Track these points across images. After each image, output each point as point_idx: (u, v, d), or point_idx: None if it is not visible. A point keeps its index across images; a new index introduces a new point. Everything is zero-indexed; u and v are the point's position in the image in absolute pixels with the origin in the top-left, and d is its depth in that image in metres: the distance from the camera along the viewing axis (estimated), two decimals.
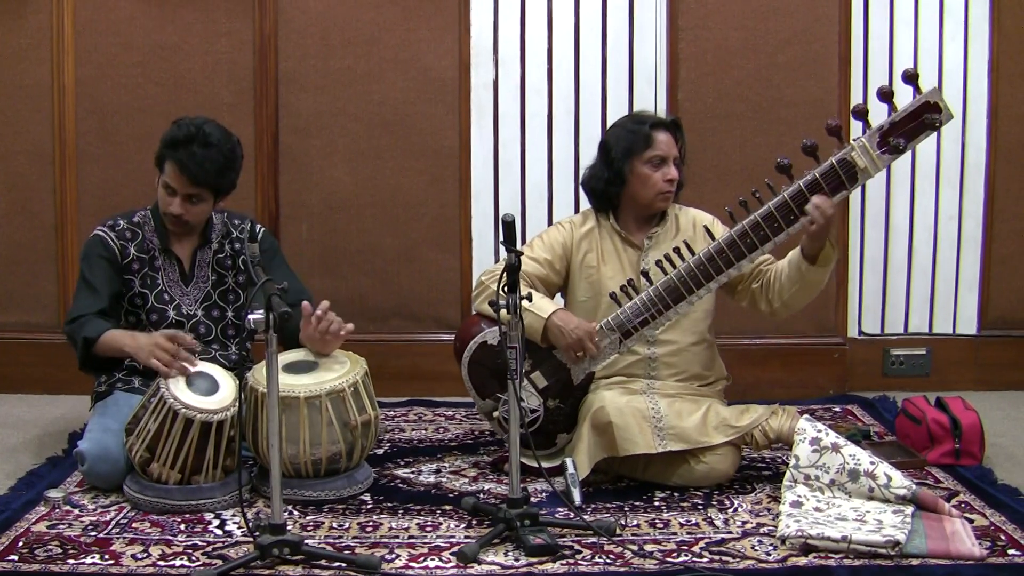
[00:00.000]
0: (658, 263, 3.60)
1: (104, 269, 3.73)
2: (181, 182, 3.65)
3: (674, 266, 3.57)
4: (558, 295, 3.94)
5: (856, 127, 3.49)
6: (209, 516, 3.34)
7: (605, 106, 4.85)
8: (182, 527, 3.26)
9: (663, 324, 3.65)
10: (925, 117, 3.33)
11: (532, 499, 3.44)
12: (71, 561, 3.00)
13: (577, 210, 4.77)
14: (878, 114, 3.40)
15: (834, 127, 3.37)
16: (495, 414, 3.72)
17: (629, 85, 4.84)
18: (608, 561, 3.02)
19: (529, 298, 3.19)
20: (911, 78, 3.32)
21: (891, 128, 3.37)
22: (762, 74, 4.74)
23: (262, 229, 3.93)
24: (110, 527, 3.26)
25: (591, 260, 3.83)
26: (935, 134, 3.41)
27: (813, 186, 3.41)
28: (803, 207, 3.42)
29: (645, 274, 3.64)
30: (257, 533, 3.00)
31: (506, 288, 3.12)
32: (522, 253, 3.18)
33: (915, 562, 2.98)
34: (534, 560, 3.02)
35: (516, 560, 3.03)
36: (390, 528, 3.28)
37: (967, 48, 4.82)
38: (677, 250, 3.58)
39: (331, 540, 3.18)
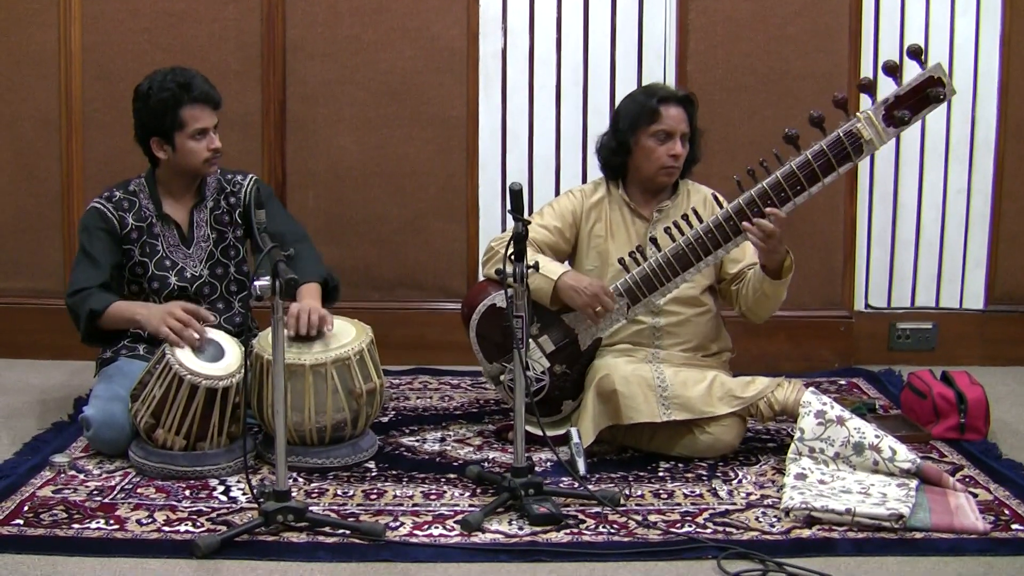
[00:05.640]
0: (666, 230, 3.60)
1: (104, 241, 3.73)
2: (207, 114, 3.69)
3: (682, 233, 3.57)
4: (566, 262, 3.93)
5: (863, 101, 3.47)
6: (214, 482, 3.35)
7: (614, 77, 4.82)
8: (187, 493, 3.27)
9: (670, 291, 3.65)
10: (929, 91, 3.35)
11: (536, 468, 3.45)
12: (76, 526, 3.01)
13: (585, 181, 4.75)
14: (884, 88, 3.40)
15: (841, 100, 3.40)
16: (502, 378, 3.73)
17: (638, 56, 4.81)
18: (612, 531, 3.03)
19: (536, 267, 3.19)
20: (915, 53, 3.34)
21: (896, 101, 3.38)
22: (771, 46, 4.71)
23: (255, 180, 3.91)
24: (115, 492, 3.27)
25: (599, 230, 3.83)
26: (943, 109, 3.40)
27: (819, 156, 3.41)
28: (811, 178, 3.43)
29: (653, 240, 3.63)
30: (261, 500, 3.01)
31: (513, 256, 3.12)
32: (529, 222, 3.17)
33: (919, 535, 2.98)
34: (538, 529, 3.02)
35: (520, 529, 3.03)
36: (394, 496, 3.29)
37: (978, 23, 4.78)
38: (685, 217, 3.58)
39: (335, 507, 3.19)
